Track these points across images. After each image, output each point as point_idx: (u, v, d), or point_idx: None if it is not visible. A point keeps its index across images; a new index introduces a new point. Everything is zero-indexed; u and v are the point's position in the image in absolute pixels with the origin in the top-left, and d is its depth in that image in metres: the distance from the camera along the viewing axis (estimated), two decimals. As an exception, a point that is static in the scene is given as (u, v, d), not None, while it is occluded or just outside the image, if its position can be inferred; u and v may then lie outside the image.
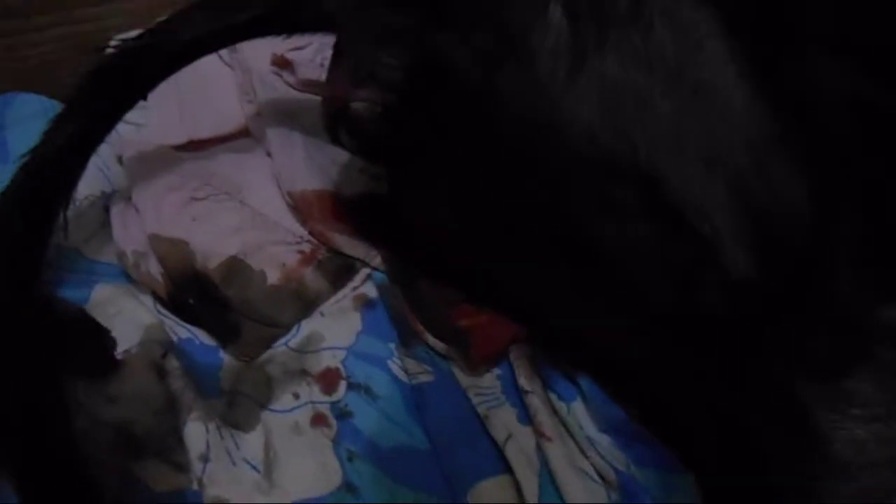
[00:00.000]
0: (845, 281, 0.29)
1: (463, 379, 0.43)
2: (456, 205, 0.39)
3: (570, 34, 0.31)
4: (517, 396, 0.42)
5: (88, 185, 0.51)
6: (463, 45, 0.33)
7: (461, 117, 0.35)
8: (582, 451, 0.40)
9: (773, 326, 0.29)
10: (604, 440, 0.40)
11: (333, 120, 0.38)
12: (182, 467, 0.40)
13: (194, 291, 0.46)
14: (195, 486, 0.39)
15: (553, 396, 0.42)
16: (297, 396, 0.43)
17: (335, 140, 0.40)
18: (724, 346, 0.30)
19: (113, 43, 0.52)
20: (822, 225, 0.30)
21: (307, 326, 0.46)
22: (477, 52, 0.33)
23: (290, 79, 0.55)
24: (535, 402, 0.41)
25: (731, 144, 0.29)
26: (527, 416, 0.41)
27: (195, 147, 0.54)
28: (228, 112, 0.55)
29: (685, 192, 0.29)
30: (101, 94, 0.44)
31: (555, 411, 0.41)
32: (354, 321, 0.46)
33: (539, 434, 0.40)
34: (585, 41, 0.31)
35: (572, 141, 0.31)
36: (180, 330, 0.46)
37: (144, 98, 0.46)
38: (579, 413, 0.41)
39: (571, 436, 0.40)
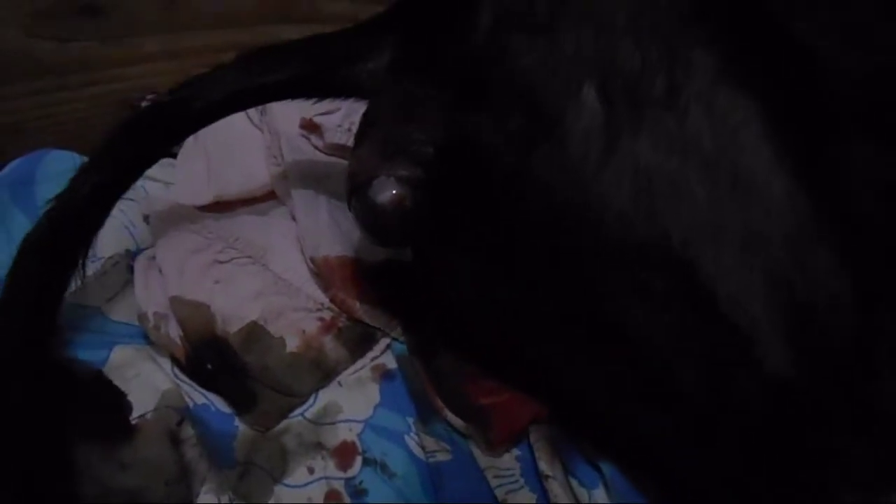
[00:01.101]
0: (889, 385, 0.28)
1: (481, 459, 0.41)
2: (481, 281, 0.38)
3: (603, 117, 0.31)
4: (537, 480, 0.40)
5: (114, 244, 0.52)
6: (496, 126, 0.33)
7: (492, 196, 0.34)
8: (603, 542, 0.38)
9: (812, 430, 0.28)
10: (626, 531, 0.39)
11: (351, 196, 0.38)
12: (192, 541, 0.39)
13: (213, 356, 0.46)
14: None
15: (574, 482, 0.40)
16: (311, 471, 0.42)
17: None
18: (759, 447, 0.29)
19: (145, 101, 0.53)
20: (865, 323, 0.28)
21: (324, 396, 0.45)
22: (510, 132, 0.33)
23: (318, 143, 0.55)
24: (556, 487, 0.39)
25: (768, 234, 0.29)
26: (546, 502, 0.39)
27: (221, 208, 0.54)
28: (255, 174, 0.55)
29: (720, 281, 0.29)
30: (128, 146, 0.44)
31: (576, 498, 0.40)
32: (372, 393, 0.45)
33: (559, 522, 0.39)
34: (619, 124, 0.30)
35: (604, 224, 0.30)
36: (196, 395, 0.45)
37: (170, 151, 0.47)
38: (601, 501, 0.39)
39: (593, 524, 0.39)
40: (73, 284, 0.44)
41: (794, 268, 0.28)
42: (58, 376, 0.44)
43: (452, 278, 0.41)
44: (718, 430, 0.30)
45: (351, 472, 0.41)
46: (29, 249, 0.42)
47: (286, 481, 0.41)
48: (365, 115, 0.42)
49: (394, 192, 0.35)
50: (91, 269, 0.49)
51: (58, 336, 0.46)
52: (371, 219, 0.37)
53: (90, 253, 0.49)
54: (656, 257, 0.29)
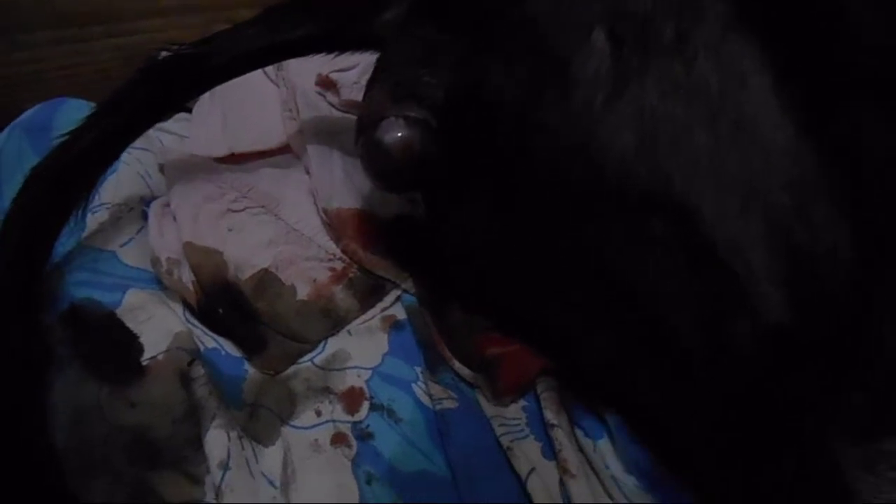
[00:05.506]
0: (886, 334, 0.28)
1: (487, 408, 0.42)
2: (487, 230, 0.39)
3: (611, 61, 0.31)
4: (542, 430, 0.41)
5: (129, 192, 0.52)
6: (505, 69, 0.33)
7: (499, 141, 0.34)
8: (606, 491, 0.38)
9: (807, 378, 0.28)
10: (629, 481, 0.39)
11: (359, 137, 0.38)
12: (197, 479, 0.39)
13: (224, 302, 0.46)
14: (209, 499, 0.38)
15: (579, 432, 0.40)
16: (318, 414, 0.42)
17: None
18: (754, 395, 0.29)
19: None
20: (863, 272, 0.28)
21: (333, 344, 0.45)
22: (518, 76, 0.33)
23: (334, 99, 0.55)
24: (561, 436, 0.39)
25: (770, 182, 0.28)
26: (551, 451, 0.40)
27: (236, 160, 0.54)
28: (270, 128, 0.55)
29: (720, 226, 0.28)
30: (142, 95, 0.45)
31: (580, 448, 0.40)
32: (381, 342, 0.45)
33: (563, 470, 0.39)
34: (627, 68, 0.30)
35: (608, 169, 0.30)
36: (207, 340, 0.45)
37: (184, 104, 0.47)
38: (606, 451, 0.39)
39: (596, 474, 0.39)
40: (74, 222, 0.45)
41: (794, 216, 0.28)
42: (45, 310, 0.45)
43: (462, 228, 0.41)
44: (716, 379, 0.30)
45: (358, 416, 0.42)
46: (33, 180, 0.43)
47: (293, 423, 0.42)
48: (378, 60, 0.42)
49: (401, 134, 0.35)
50: (94, 214, 0.50)
51: (49, 268, 0.46)
52: (376, 160, 0.37)
53: (94, 199, 0.50)
54: (658, 203, 0.29)
